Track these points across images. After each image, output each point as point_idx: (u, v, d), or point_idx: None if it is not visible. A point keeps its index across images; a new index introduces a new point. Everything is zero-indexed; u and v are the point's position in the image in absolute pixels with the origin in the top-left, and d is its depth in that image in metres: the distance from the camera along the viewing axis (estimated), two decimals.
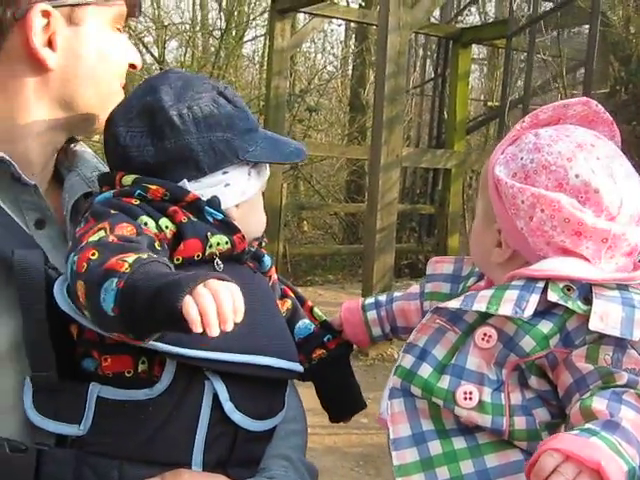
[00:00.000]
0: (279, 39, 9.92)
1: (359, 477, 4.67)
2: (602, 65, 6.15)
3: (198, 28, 14.48)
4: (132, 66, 1.26)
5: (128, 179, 1.13)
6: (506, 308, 0.98)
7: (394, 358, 7.41)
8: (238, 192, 1.17)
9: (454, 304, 1.03)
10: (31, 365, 1.03)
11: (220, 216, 1.12)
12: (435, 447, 1.02)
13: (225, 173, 1.16)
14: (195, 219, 1.10)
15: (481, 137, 15.09)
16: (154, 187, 1.10)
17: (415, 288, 1.36)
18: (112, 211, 1.06)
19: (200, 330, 0.83)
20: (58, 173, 1.26)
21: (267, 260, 1.24)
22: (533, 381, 1.02)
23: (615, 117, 3.65)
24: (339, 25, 15.79)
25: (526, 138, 1.10)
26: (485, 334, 1.02)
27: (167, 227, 1.07)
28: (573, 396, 0.97)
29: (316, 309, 1.37)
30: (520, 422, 1.00)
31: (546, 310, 0.99)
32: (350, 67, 15.71)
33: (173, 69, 1.28)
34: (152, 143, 1.14)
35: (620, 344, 0.97)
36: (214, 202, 1.13)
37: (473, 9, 14.65)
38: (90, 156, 1.31)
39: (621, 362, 0.97)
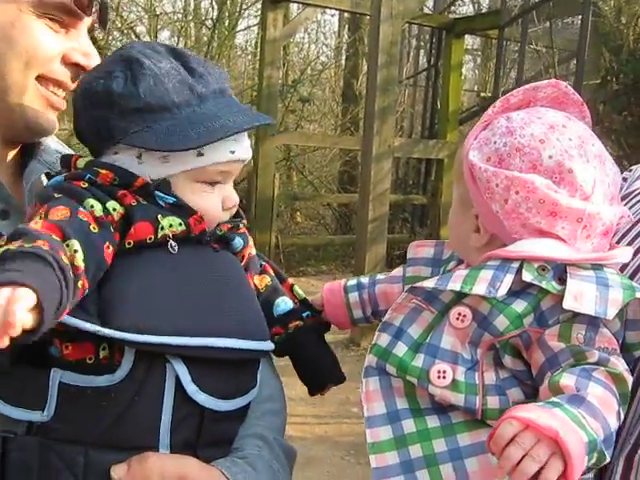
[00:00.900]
0: (271, 29, 9.90)
1: (350, 466, 4.69)
2: (594, 56, 6.15)
3: (190, 17, 14.42)
4: (75, 65, 1.19)
5: (82, 162, 1.14)
6: (480, 287, 0.99)
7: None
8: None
9: (429, 284, 1.04)
10: None
11: (171, 199, 1.11)
12: (409, 425, 1.03)
13: (115, 154, 1.14)
14: (144, 202, 1.10)
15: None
16: (104, 171, 1.10)
17: (398, 271, 1.36)
18: (56, 195, 1.06)
19: None
20: (25, 165, 1.26)
21: (238, 241, 1.21)
22: (507, 360, 1.03)
23: (606, 107, 3.65)
24: (332, 15, 15.79)
25: (498, 122, 1.10)
26: (460, 313, 1.03)
27: (115, 209, 1.07)
28: (545, 374, 0.98)
29: (296, 287, 1.37)
30: (493, 401, 1.01)
31: (521, 290, 1.00)
32: (343, 57, 15.67)
33: (129, 44, 1.25)
34: (74, 125, 1.20)
35: (593, 323, 0.99)
36: (164, 186, 1.12)
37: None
38: (52, 142, 1.32)
39: (593, 340, 0.98)
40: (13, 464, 1.03)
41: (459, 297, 1.04)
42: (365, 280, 1.38)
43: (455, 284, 1.00)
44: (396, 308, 1.09)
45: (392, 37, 7.31)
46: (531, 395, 1.02)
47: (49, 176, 1.21)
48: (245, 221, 1.26)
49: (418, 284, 1.06)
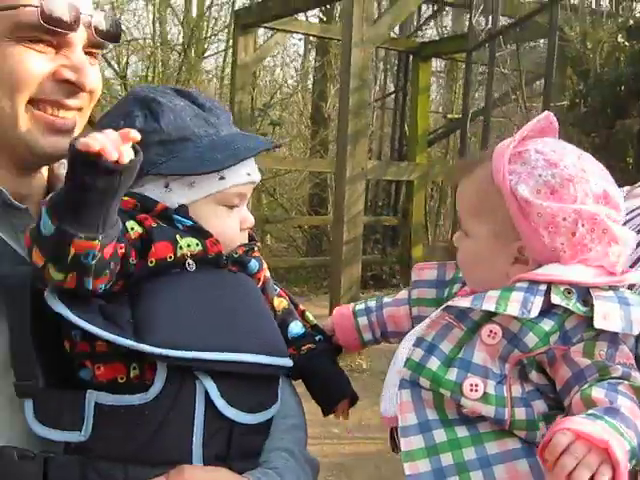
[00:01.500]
0: (242, 54, 10.02)
1: None
2: (559, 78, 6.33)
3: (159, 43, 14.47)
4: (72, 83, 1.18)
5: None
6: (513, 308, 1.06)
7: (362, 368, 7.49)
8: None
9: (464, 303, 1.10)
10: (16, 375, 1.08)
11: (189, 222, 1.19)
12: (440, 435, 1.10)
13: (142, 186, 1.20)
14: (164, 225, 1.17)
15: (442, 149, 15.31)
16: (126, 198, 1.16)
17: (403, 294, 1.43)
18: None
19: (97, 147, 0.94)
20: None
21: (254, 264, 1.28)
22: (533, 375, 1.10)
23: (575, 128, 3.77)
24: (300, 39, 15.96)
25: (529, 155, 1.15)
26: (491, 331, 1.09)
27: (133, 229, 1.14)
28: (572, 388, 1.06)
29: (308, 313, 1.43)
30: (520, 413, 1.08)
31: (547, 310, 1.08)
32: (310, 81, 15.83)
33: (136, 88, 1.33)
34: None
35: (613, 340, 1.07)
36: (182, 210, 1.19)
37: (431, 23, 14.86)
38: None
39: (614, 357, 1.06)
40: None
41: (488, 316, 1.10)
42: (372, 304, 1.44)
43: (490, 304, 1.07)
44: (430, 325, 1.15)
45: (363, 62, 7.45)
46: (553, 407, 1.10)
47: None
48: (259, 244, 1.33)
49: (453, 303, 1.13)
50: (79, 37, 1.19)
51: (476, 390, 1.07)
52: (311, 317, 1.43)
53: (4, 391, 1.09)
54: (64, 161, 1.30)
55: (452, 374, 1.09)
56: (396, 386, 1.20)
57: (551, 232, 1.11)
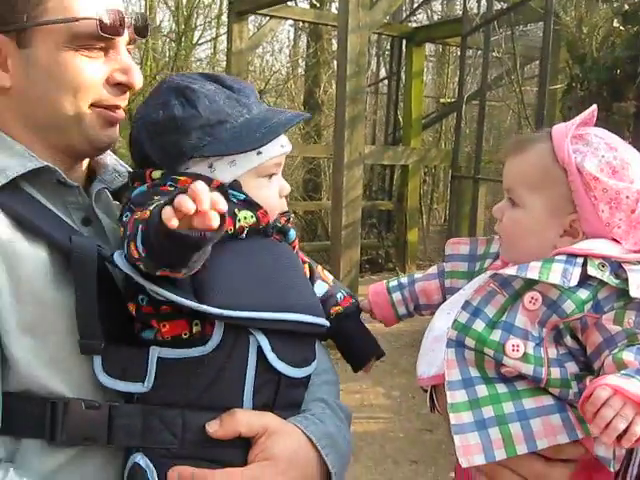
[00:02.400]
0: (237, 41, 10.01)
1: None
2: (553, 62, 6.42)
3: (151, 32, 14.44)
4: (123, 84, 1.30)
5: (157, 173, 1.30)
6: (555, 277, 1.17)
7: None
8: None
9: (510, 271, 1.21)
10: (80, 333, 1.19)
11: (242, 196, 1.29)
12: (481, 390, 1.21)
13: (187, 169, 1.29)
14: None
15: (435, 133, 15.40)
16: (183, 178, 1.27)
17: (433, 269, 1.55)
18: (155, 197, 1.20)
19: (176, 223, 0.96)
20: (90, 181, 1.42)
21: (292, 233, 1.40)
22: (567, 340, 1.22)
23: (573, 112, 3.89)
24: (292, 25, 15.97)
25: (591, 138, 1.27)
26: (532, 297, 1.20)
27: None
28: (603, 352, 1.17)
29: (326, 272, 1.56)
30: (555, 372, 1.19)
31: (583, 281, 1.19)
32: (302, 67, 15.85)
33: (167, 78, 1.40)
34: (133, 150, 1.36)
35: None
36: (236, 185, 1.29)
37: (420, 9, 14.91)
38: (109, 160, 1.47)
39: None
40: (119, 428, 1.20)
41: (529, 284, 1.21)
42: (404, 280, 1.56)
43: (533, 273, 1.18)
44: (477, 290, 1.25)
45: (360, 47, 7.50)
46: (584, 369, 1.21)
47: (113, 194, 1.41)
48: (293, 215, 1.44)
49: (500, 271, 1.23)
50: (123, 38, 1.30)
51: (517, 350, 1.19)
52: (327, 273, 1.56)
53: (66, 346, 1.19)
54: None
55: (496, 335, 1.20)
56: (434, 350, 1.31)
57: (612, 207, 1.22)
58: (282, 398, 1.27)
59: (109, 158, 1.47)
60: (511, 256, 1.33)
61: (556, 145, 1.26)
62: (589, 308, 1.19)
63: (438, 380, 1.29)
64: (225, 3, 13.11)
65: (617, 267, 1.20)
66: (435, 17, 16.36)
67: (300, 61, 16.10)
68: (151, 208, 1.07)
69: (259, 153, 1.30)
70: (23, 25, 1.21)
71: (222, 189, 1.27)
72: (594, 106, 1.32)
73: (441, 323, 1.35)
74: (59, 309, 1.19)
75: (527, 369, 1.19)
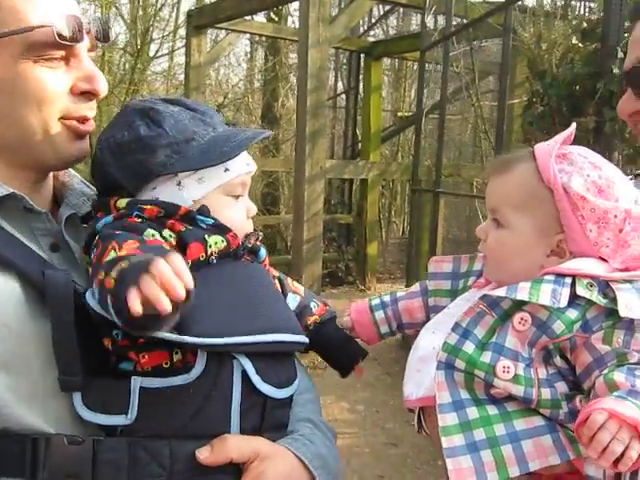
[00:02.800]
0: (196, 55, 10.00)
1: None
2: (510, 77, 6.50)
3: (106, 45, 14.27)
4: (89, 93, 1.25)
5: (122, 202, 1.29)
6: (545, 298, 1.17)
7: (324, 365, 7.59)
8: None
9: (500, 292, 1.21)
10: (60, 369, 1.15)
11: (211, 221, 1.28)
12: (472, 412, 1.21)
13: (154, 189, 1.29)
14: (190, 227, 1.26)
15: (392, 147, 15.49)
16: (149, 207, 1.26)
17: (416, 287, 1.55)
18: (117, 232, 1.19)
19: (140, 310, 0.95)
20: (56, 203, 1.38)
21: (262, 252, 1.40)
22: (557, 360, 1.22)
23: (532, 127, 3.89)
24: (248, 39, 15.94)
25: (575, 157, 1.27)
26: (522, 318, 1.20)
27: (171, 236, 1.23)
28: (592, 372, 1.17)
29: (295, 282, 1.55)
30: (546, 393, 1.19)
31: (571, 301, 1.19)
32: (259, 81, 15.83)
33: (130, 102, 1.40)
34: (96, 175, 1.34)
35: (629, 328, 1.19)
36: (203, 210, 1.29)
37: (378, 23, 15.02)
38: (77, 182, 1.43)
39: (629, 344, 1.18)
40: (104, 463, 1.15)
41: (518, 305, 1.21)
42: (387, 298, 1.55)
43: (523, 294, 1.18)
44: (467, 312, 1.25)
45: (320, 62, 7.53)
46: (573, 388, 1.22)
47: (81, 218, 1.37)
48: (261, 233, 1.43)
49: (490, 292, 1.23)
50: (84, 45, 1.25)
51: (508, 372, 1.18)
52: (297, 284, 1.55)
53: (43, 380, 1.15)
54: (69, 170, 1.40)
55: (486, 357, 1.20)
56: (419, 371, 1.31)
57: (600, 227, 1.22)
58: (269, 420, 1.26)
59: (75, 180, 1.43)
60: (496, 276, 1.33)
61: (541, 165, 1.26)
62: (578, 328, 1.19)
63: (426, 402, 1.28)
64: (182, 17, 13.07)
65: (605, 286, 1.20)
66: (391, 32, 16.49)
67: (258, 75, 16.08)
68: (113, 275, 1.03)
69: (226, 170, 1.31)
70: None
71: (190, 215, 1.27)
72: (573, 125, 1.32)
73: (426, 342, 1.34)
74: (34, 343, 1.15)
75: (518, 390, 1.19)
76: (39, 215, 1.27)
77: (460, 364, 1.21)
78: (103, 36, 1.30)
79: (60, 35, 1.18)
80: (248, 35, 13.36)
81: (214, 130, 1.33)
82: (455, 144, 11.60)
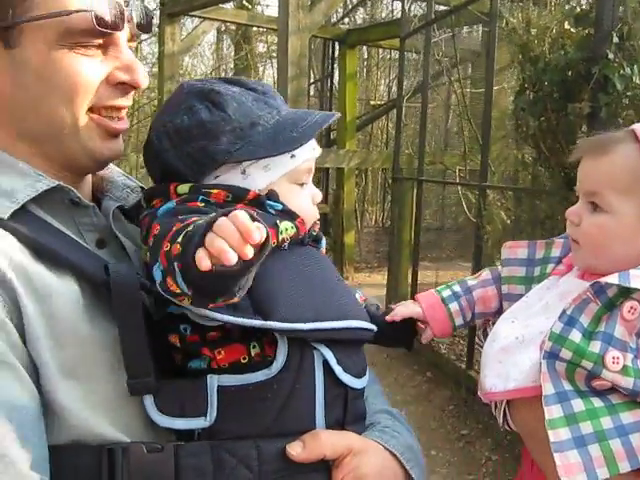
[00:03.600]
0: (169, 43, 9.86)
1: None
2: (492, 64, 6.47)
3: None
4: (126, 84, 1.16)
5: (184, 187, 1.19)
6: None
7: None
8: None
9: (612, 280, 1.14)
10: (128, 372, 1.06)
11: (280, 206, 1.20)
12: (577, 405, 1.15)
13: (217, 177, 1.20)
14: (262, 212, 1.17)
15: (365, 136, 15.46)
16: (215, 191, 1.17)
17: (487, 274, 1.48)
18: (179, 216, 1.10)
19: (208, 265, 0.89)
20: (95, 198, 1.29)
21: (324, 241, 1.33)
22: None
23: (525, 113, 3.85)
24: (216, 28, 15.77)
25: None
26: (632, 307, 1.14)
27: None
28: None
29: None
30: None
31: None
32: (230, 70, 15.70)
33: (184, 83, 1.29)
34: (151, 162, 1.24)
35: None
36: (273, 195, 1.20)
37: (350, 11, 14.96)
38: (117, 175, 1.34)
39: None
40: (188, 470, 1.06)
41: (623, 293, 1.15)
42: (458, 288, 1.48)
43: (637, 282, 1.12)
44: (575, 299, 1.19)
45: (300, 49, 7.45)
46: None
47: (123, 210, 1.28)
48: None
49: (602, 279, 1.16)
50: (124, 34, 1.16)
51: (617, 362, 1.13)
52: None
53: (112, 386, 1.07)
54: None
55: (595, 347, 1.14)
56: (501, 362, 1.24)
57: None
58: (351, 412, 1.19)
59: (115, 172, 1.34)
60: (591, 262, 1.27)
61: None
62: None
63: (517, 394, 1.22)
64: (153, 4, 12.86)
65: None
66: (358, 21, 16.43)
67: (228, 65, 15.94)
68: (180, 240, 0.96)
69: (293, 156, 1.22)
70: (8, 22, 1.05)
71: (259, 200, 1.18)
72: None
73: (507, 332, 1.28)
74: (98, 347, 1.06)
75: (627, 382, 1.13)
76: (86, 209, 1.18)
77: (566, 354, 1.16)
78: (145, 26, 1.21)
79: (100, 22, 1.09)
80: (216, 25, 13.23)
81: (278, 113, 1.24)
82: (431, 132, 11.60)
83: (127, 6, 1.15)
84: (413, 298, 1.50)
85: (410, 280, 7.42)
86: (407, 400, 6.15)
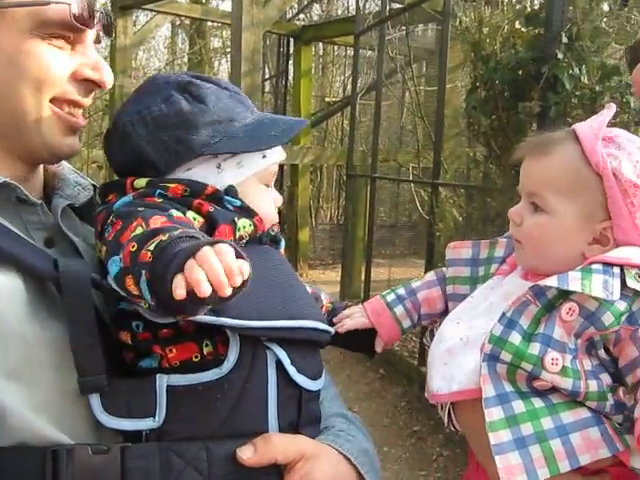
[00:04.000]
0: (122, 37, 9.74)
1: None
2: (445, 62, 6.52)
3: None
4: (91, 82, 1.15)
5: (141, 182, 1.17)
6: (598, 290, 1.11)
7: None
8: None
9: (551, 282, 1.14)
10: (79, 370, 1.03)
11: (238, 203, 1.18)
12: (518, 406, 1.15)
13: (189, 169, 1.19)
14: (219, 208, 1.16)
15: (320, 132, 15.45)
16: (173, 185, 1.15)
17: (431, 276, 1.47)
18: (139, 209, 1.08)
19: (183, 294, 0.86)
20: (46, 195, 1.26)
21: (283, 242, 1.31)
22: (601, 352, 1.17)
23: (476, 111, 3.87)
24: (170, 22, 15.61)
25: (622, 141, 1.21)
26: (570, 308, 1.14)
27: (195, 219, 1.12)
28: (637, 367, 1.13)
29: None
30: (593, 385, 1.14)
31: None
32: (184, 65, 15.56)
33: (157, 75, 1.29)
34: (118, 149, 1.22)
35: None
36: (232, 190, 1.19)
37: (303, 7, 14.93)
38: (68, 172, 1.31)
39: None
40: (134, 472, 1.03)
41: (562, 295, 1.15)
42: (402, 291, 1.47)
43: (575, 285, 1.12)
44: (514, 302, 1.18)
45: (254, 45, 7.43)
46: (615, 380, 1.17)
47: (73, 208, 1.25)
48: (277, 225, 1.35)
49: (541, 282, 1.16)
50: (92, 33, 1.16)
51: (556, 364, 1.13)
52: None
53: (57, 387, 1.03)
54: None
55: (534, 348, 1.14)
56: (447, 364, 1.24)
57: None
58: (305, 414, 1.17)
59: (67, 169, 1.31)
60: (532, 263, 1.27)
61: (587, 148, 1.20)
62: (624, 320, 1.14)
63: (460, 396, 1.22)
64: None
65: None
66: (314, 17, 16.42)
67: (182, 59, 15.79)
68: (151, 248, 0.93)
69: (264, 157, 1.23)
70: None
71: (217, 195, 1.17)
72: (613, 106, 1.26)
73: (451, 334, 1.28)
74: (43, 347, 1.03)
75: (566, 383, 1.14)
76: (33, 207, 1.15)
77: (506, 356, 1.15)
78: (108, 29, 1.21)
79: (75, 16, 1.10)
80: (170, 19, 13.09)
81: (252, 112, 1.25)
82: (385, 129, 11.64)
83: (99, 9, 1.16)
84: (366, 298, 1.49)
85: (363, 277, 7.44)
86: (360, 397, 6.17)
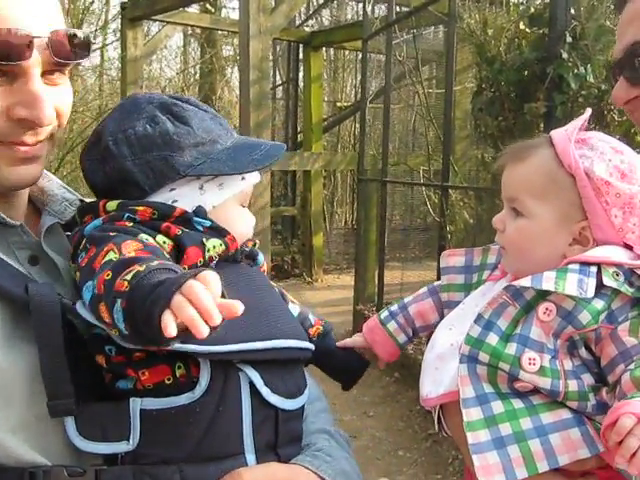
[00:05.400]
0: (132, 48, 9.80)
1: None
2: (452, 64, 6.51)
3: None
4: (22, 120, 1.07)
5: (112, 204, 1.18)
6: (571, 288, 1.12)
7: None
8: (190, 207, 1.20)
9: (525, 282, 1.15)
10: (48, 394, 1.05)
11: (208, 223, 1.19)
12: (497, 406, 1.16)
13: (172, 190, 1.20)
14: (187, 230, 1.16)
15: (332, 137, 15.46)
16: (141, 208, 1.16)
17: (423, 289, 1.49)
18: (111, 233, 1.09)
19: (174, 332, 0.85)
20: (37, 209, 1.27)
21: (261, 257, 1.33)
22: (582, 351, 1.17)
23: (483, 113, 3.87)
24: (180, 32, 15.70)
25: (595, 142, 1.23)
26: (547, 308, 1.15)
27: (165, 242, 1.13)
28: (617, 366, 1.13)
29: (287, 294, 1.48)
30: (573, 385, 1.15)
31: (596, 290, 1.14)
32: (192, 74, 15.64)
33: (137, 94, 1.30)
34: (100, 169, 1.21)
35: None
36: (200, 212, 1.19)
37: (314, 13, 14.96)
38: (57, 187, 1.31)
39: None
40: None
41: (541, 295, 1.16)
42: (394, 307, 1.48)
43: (549, 284, 1.13)
44: (491, 302, 1.19)
45: (262, 53, 7.46)
46: (598, 380, 1.17)
47: (63, 226, 1.26)
48: (258, 241, 1.36)
49: (514, 282, 1.17)
50: (34, 62, 1.06)
51: (534, 364, 1.14)
52: (290, 296, 1.48)
53: (32, 410, 1.05)
54: (47, 173, 1.28)
55: (511, 349, 1.16)
56: (438, 369, 1.25)
57: (626, 212, 1.19)
58: (283, 434, 1.17)
59: (55, 185, 1.31)
60: (516, 267, 1.27)
61: (560, 151, 1.21)
62: (603, 319, 1.15)
63: (446, 399, 1.23)
64: (113, 10, 12.81)
65: (630, 275, 1.16)
66: (325, 22, 16.45)
67: (194, 68, 15.86)
68: (128, 278, 0.92)
69: (243, 178, 1.26)
70: None
71: (186, 217, 1.18)
72: (589, 110, 1.28)
73: (443, 339, 1.29)
74: (17, 371, 1.04)
75: (544, 383, 1.14)
76: (14, 228, 1.16)
77: (484, 357, 1.16)
78: (73, 53, 1.10)
79: None
80: (181, 28, 13.18)
81: (232, 135, 1.28)
82: (396, 133, 11.64)
83: (45, 34, 1.06)
84: (379, 302, 1.51)
85: (377, 281, 7.43)
86: (375, 401, 6.17)
